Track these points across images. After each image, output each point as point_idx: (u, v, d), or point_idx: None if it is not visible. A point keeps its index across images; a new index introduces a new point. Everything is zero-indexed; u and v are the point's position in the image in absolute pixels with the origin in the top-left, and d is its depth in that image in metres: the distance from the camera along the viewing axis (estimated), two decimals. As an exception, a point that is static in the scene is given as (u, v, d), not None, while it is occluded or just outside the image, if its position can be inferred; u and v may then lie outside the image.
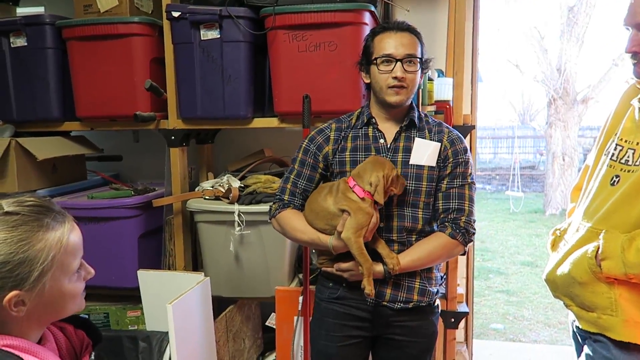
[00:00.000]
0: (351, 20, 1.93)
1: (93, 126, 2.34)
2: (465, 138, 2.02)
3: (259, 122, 2.17)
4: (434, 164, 1.53)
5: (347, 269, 1.49)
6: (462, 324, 2.38)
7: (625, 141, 1.38)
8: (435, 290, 1.60)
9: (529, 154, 15.71)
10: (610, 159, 1.40)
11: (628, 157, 1.36)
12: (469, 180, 1.55)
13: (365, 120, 1.57)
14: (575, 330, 1.50)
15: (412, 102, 1.58)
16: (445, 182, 1.54)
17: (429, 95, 2.04)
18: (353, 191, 1.45)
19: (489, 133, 15.97)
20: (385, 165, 1.45)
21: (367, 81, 1.56)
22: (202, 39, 2.07)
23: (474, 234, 1.54)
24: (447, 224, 1.52)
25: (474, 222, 1.54)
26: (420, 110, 1.63)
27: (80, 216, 0.98)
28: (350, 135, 1.58)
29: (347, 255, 1.49)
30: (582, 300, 1.38)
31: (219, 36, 2.05)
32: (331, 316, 1.58)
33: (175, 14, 2.06)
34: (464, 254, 1.58)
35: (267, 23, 2.01)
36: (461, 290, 2.19)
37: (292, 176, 1.60)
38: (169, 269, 2.30)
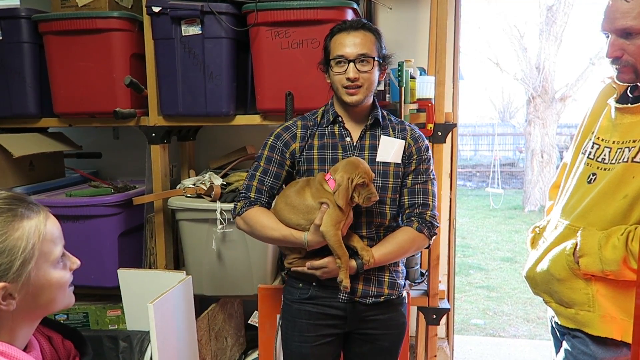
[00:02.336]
0: (333, 17, 1.92)
1: (71, 123, 2.30)
2: (446, 136, 2.05)
3: (241, 120, 2.16)
4: (399, 160, 1.57)
5: (320, 266, 1.48)
6: (443, 320, 2.40)
7: (602, 140, 1.41)
8: (403, 283, 1.65)
9: (508, 151, 15.92)
10: (587, 157, 1.43)
11: (604, 155, 1.38)
12: (431, 177, 1.60)
13: (331, 119, 1.58)
14: (554, 325, 1.53)
15: (374, 101, 1.60)
16: (410, 178, 1.58)
17: (411, 94, 2.05)
18: (328, 184, 1.46)
19: (469, 130, 16.15)
20: (357, 168, 1.44)
21: (329, 81, 1.58)
22: (183, 34, 2.04)
23: (437, 227, 1.58)
24: (413, 218, 1.56)
25: (437, 217, 1.59)
26: (381, 108, 1.64)
27: (58, 214, 0.95)
28: (317, 133, 1.59)
29: (317, 253, 1.50)
30: (560, 296, 1.40)
31: (200, 32, 2.02)
32: (304, 317, 1.57)
33: (156, 9, 2.03)
34: (427, 247, 1.63)
35: (249, 19, 2.00)
36: (442, 286, 2.21)
37: (258, 173, 1.58)
38: (150, 267, 2.27)
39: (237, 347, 2.42)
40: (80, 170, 2.62)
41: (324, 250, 1.49)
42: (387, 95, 2.11)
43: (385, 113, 1.64)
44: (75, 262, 0.94)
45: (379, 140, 1.58)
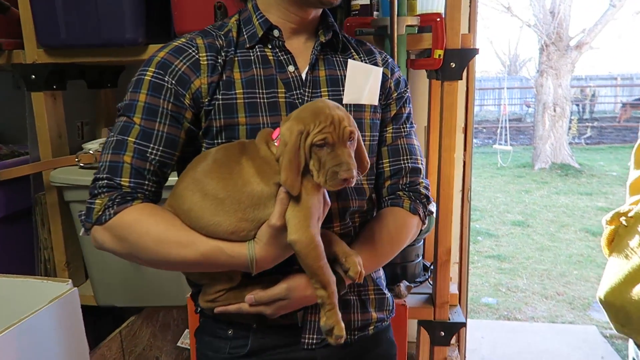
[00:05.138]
0: None
1: None
2: (463, 70, 1.36)
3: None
4: (376, 102, 0.95)
5: (275, 297, 0.83)
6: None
7: None
8: (390, 296, 1.05)
9: (515, 105, 15.21)
10: None
11: None
12: (414, 125, 1.04)
13: (260, 33, 0.89)
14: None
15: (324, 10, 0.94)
16: (389, 129, 0.99)
17: (410, 6, 1.35)
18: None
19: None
20: (318, 115, 0.75)
21: None
22: None
23: (431, 202, 1.02)
24: (401, 193, 0.99)
25: (429, 187, 1.02)
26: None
27: None
28: (236, 59, 0.89)
29: (261, 279, 0.85)
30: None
31: None
32: None
33: None
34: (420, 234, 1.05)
35: None
36: (453, 287, 1.57)
37: (131, 139, 0.83)
38: (46, 266, 1.63)
39: (179, 365, 1.82)
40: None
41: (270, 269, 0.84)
42: (376, 13, 1.42)
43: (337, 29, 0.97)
44: None
45: (341, 69, 0.93)
